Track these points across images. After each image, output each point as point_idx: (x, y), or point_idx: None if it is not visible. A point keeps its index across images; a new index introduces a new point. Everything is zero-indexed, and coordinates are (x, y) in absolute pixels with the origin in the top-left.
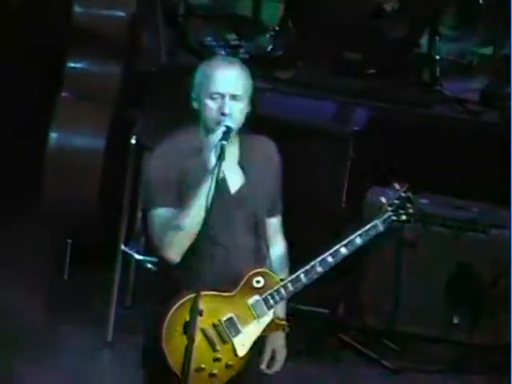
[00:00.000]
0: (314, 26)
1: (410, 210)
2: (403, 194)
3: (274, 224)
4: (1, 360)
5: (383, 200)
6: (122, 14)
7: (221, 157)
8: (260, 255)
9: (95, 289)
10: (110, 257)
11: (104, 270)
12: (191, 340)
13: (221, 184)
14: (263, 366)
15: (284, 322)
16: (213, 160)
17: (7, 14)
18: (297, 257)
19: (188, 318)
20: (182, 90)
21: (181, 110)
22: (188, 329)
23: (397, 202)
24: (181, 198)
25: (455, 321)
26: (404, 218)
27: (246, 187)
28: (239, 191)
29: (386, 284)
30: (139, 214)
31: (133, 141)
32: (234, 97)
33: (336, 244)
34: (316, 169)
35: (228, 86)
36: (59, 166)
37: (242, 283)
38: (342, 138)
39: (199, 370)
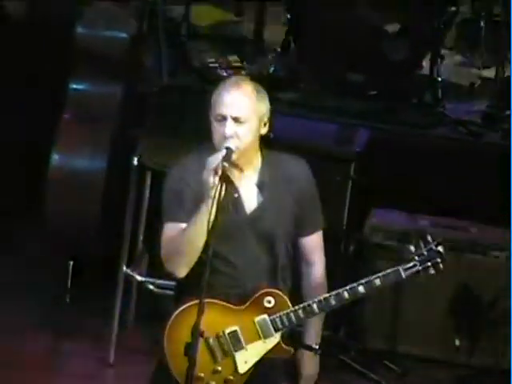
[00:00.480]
0: (315, 47)
1: (440, 265)
2: (434, 248)
3: (307, 243)
4: (3, 382)
5: (411, 248)
6: (123, 34)
7: (222, 178)
8: (275, 276)
9: (97, 310)
10: (112, 278)
11: (106, 291)
12: (193, 362)
13: (236, 204)
14: None
15: (291, 349)
16: (211, 180)
17: (9, 34)
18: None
19: (192, 323)
20: (183, 110)
21: (183, 130)
22: (189, 351)
23: (426, 253)
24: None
25: (456, 343)
26: (432, 271)
27: (262, 208)
28: (254, 212)
29: (386, 305)
30: (141, 236)
31: (135, 161)
32: (236, 119)
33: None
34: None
35: (230, 108)
36: (61, 186)
37: (252, 299)
38: (344, 160)
39: (197, 379)
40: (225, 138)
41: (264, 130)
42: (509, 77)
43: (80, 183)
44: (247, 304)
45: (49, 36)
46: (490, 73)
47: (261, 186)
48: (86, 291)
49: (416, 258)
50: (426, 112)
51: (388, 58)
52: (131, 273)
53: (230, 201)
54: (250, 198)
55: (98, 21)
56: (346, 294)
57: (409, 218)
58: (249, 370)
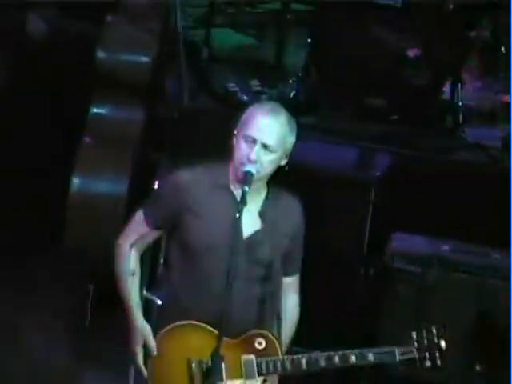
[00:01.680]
0: (336, 71)
1: (438, 362)
2: (436, 340)
3: (289, 283)
4: None
5: (413, 335)
6: (145, 58)
7: (242, 201)
8: (265, 308)
9: (116, 336)
10: None
11: (125, 315)
12: None
13: (235, 225)
14: None
15: None
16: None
17: (31, 57)
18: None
19: (173, 345)
20: (204, 134)
21: (203, 154)
22: (209, 375)
23: (426, 343)
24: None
25: (477, 368)
26: (428, 365)
27: (260, 235)
28: (252, 236)
29: (406, 329)
30: (161, 259)
31: (155, 185)
32: (265, 146)
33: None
34: (337, 215)
35: (262, 134)
36: (81, 210)
37: (244, 337)
38: (364, 184)
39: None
40: (248, 159)
41: (284, 162)
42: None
43: (100, 207)
44: (238, 339)
45: (69, 58)
46: (510, 98)
47: (263, 214)
48: (106, 316)
49: (415, 344)
50: (446, 137)
51: (409, 83)
52: (151, 297)
53: (230, 220)
54: (250, 222)
55: (118, 44)
56: (336, 359)
57: (430, 242)
58: None
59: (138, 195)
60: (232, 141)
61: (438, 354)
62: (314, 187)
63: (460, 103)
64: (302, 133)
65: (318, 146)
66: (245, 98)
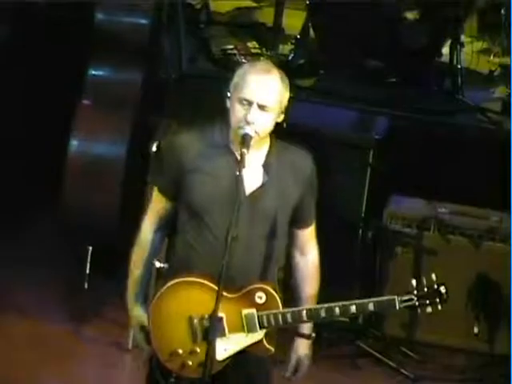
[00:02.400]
0: (335, 34)
1: (439, 306)
2: (436, 286)
3: (302, 235)
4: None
5: (413, 282)
6: (143, 21)
7: (241, 162)
8: (269, 263)
9: (115, 297)
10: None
11: (124, 277)
12: (212, 348)
13: (237, 182)
14: (287, 374)
15: (272, 349)
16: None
17: (30, 21)
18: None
19: (176, 299)
20: (202, 96)
21: (202, 116)
22: (208, 335)
23: (426, 291)
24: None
25: (475, 330)
26: (429, 309)
27: (263, 189)
28: (254, 192)
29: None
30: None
31: (153, 148)
32: (262, 107)
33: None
34: (336, 177)
35: (258, 95)
36: (80, 173)
37: (244, 291)
38: (363, 147)
39: (175, 354)
40: (245, 122)
41: (280, 118)
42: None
43: (99, 169)
44: (238, 294)
45: (68, 21)
46: (509, 60)
47: (266, 167)
48: (104, 278)
49: (415, 292)
50: (445, 99)
51: (408, 45)
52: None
53: (234, 179)
54: (252, 178)
55: (117, 6)
56: (337, 310)
57: (428, 205)
58: (227, 358)
59: (137, 157)
60: (226, 103)
61: (438, 300)
62: (312, 150)
63: (459, 66)
64: (300, 95)
65: (316, 109)
66: (243, 60)
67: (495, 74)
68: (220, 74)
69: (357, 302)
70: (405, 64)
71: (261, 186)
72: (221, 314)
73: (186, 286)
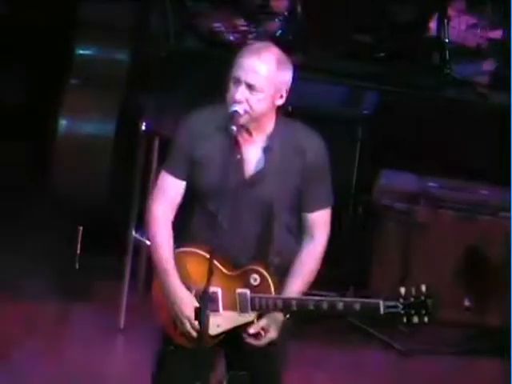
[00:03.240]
0: (322, 9)
1: (425, 319)
2: (423, 299)
3: (311, 218)
4: (15, 346)
5: (402, 291)
6: None
7: (231, 141)
8: (266, 246)
9: (106, 276)
10: (121, 243)
11: (115, 256)
12: (205, 327)
13: (236, 166)
14: (251, 330)
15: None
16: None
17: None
18: None
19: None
20: (190, 74)
21: (190, 94)
22: (199, 315)
23: (413, 300)
24: (190, 169)
25: (466, 303)
26: (416, 320)
27: (262, 173)
28: (253, 176)
29: (396, 266)
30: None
31: (142, 127)
32: (250, 86)
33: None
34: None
35: (246, 73)
36: (69, 152)
37: (241, 271)
38: (352, 122)
39: (173, 324)
40: (234, 100)
41: (280, 102)
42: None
43: (88, 148)
44: (236, 273)
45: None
46: (496, 33)
47: (266, 151)
48: (95, 257)
49: (401, 300)
50: (433, 74)
51: (396, 20)
52: (140, 238)
53: (232, 162)
54: (252, 161)
55: None
56: (324, 305)
57: (418, 179)
58: (220, 334)
59: (125, 136)
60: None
61: (424, 312)
62: None
63: (446, 40)
64: None
65: (305, 85)
66: (230, 37)
67: (483, 47)
68: (207, 51)
69: (344, 300)
70: (393, 39)
71: (260, 170)
72: (216, 288)
73: (183, 256)
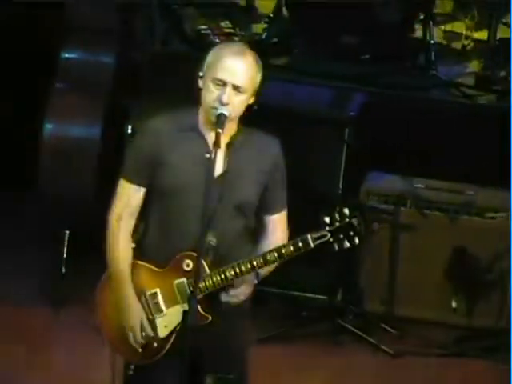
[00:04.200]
0: (308, 11)
1: (356, 239)
2: (347, 220)
3: (272, 221)
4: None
5: (326, 219)
6: (115, 3)
7: (216, 143)
8: (236, 242)
9: (93, 281)
10: None
11: (102, 261)
12: (191, 328)
13: (207, 165)
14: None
15: (209, 316)
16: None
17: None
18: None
19: None
20: (176, 77)
21: (175, 97)
22: (186, 319)
23: (338, 225)
24: (151, 175)
25: (453, 305)
26: (347, 244)
27: (228, 174)
28: (219, 177)
29: (383, 268)
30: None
31: (129, 130)
32: (236, 88)
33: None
34: (312, 155)
35: (233, 76)
36: (55, 156)
37: (172, 263)
38: (338, 124)
39: (125, 338)
40: (219, 102)
41: (252, 100)
42: (507, 39)
43: (74, 151)
44: (167, 267)
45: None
46: (482, 35)
47: (230, 147)
48: (82, 261)
49: (327, 228)
50: (419, 75)
51: (381, 21)
52: None
53: (203, 161)
54: (219, 162)
55: None
56: (254, 261)
57: (404, 180)
58: (170, 334)
59: (112, 139)
60: (198, 84)
61: (352, 233)
62: (288, 128)
63: (432, 41)
64: (275, 74)
65: (291, 87)
66: (216, 40)
67: (468, 48)
68: (193, 54)
69: (274, 248)
70: (378, 40)
71: (225, 171)
72: (155, 289)
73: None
